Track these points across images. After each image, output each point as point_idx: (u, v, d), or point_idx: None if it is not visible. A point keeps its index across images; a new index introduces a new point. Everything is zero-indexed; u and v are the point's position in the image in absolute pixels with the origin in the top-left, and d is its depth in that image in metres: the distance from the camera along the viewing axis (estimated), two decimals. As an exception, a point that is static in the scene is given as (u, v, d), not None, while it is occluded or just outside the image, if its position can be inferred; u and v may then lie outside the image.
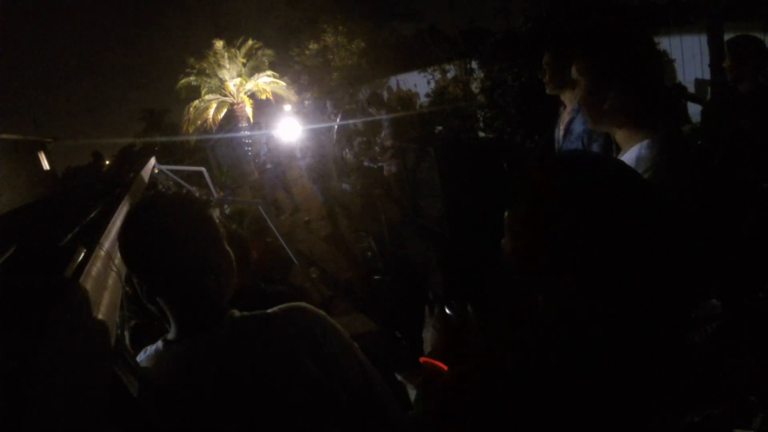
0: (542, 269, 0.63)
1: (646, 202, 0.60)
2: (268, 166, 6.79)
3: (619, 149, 1.26)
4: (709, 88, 4.85)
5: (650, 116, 1.15)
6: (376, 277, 4.14)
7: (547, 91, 2.14)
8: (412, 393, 1.17)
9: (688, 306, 0.76)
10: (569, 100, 2.07)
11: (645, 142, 1.13)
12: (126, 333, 0.85)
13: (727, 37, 4.31)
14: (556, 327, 0.62)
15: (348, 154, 6.84)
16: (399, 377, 1.19)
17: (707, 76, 4.93)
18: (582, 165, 0.65)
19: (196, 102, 12.31)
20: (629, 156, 1.15)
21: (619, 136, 1.22)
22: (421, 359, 0.84)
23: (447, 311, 0.92)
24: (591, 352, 0.57)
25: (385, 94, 10.91)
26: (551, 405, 0.56)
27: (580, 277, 0.59)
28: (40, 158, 15.11)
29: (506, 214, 0.68)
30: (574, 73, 1.23)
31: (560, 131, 2.14)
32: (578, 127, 1.97)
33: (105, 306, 0.81)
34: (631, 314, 0.58)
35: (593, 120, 1.24)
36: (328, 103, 7.71)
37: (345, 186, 6.00)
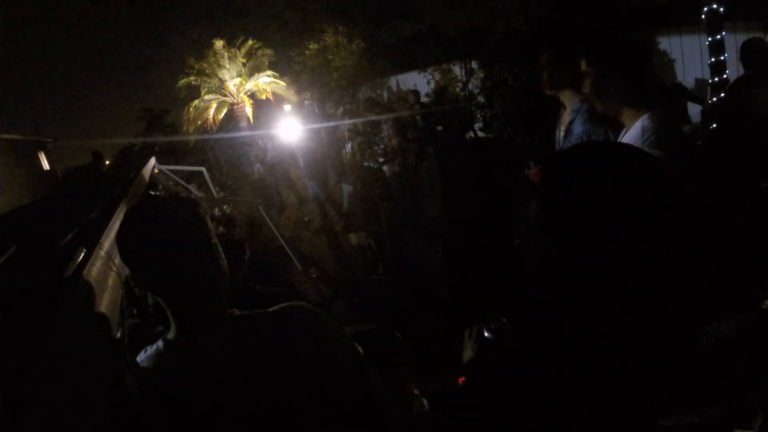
0: (569, 260, 0.64)
1: (656, 182, 0.61)
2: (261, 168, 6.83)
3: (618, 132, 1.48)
4: (708, 89, 4.84)
5: (649, 97, 1.39)
6: (376, 277, 4.14)
7: (545, 91, 2.13)
8: (412, 393, 1.18)
9: (698, 303, 0.77)
10: (568, 101, 2.07)
11: (646, 115, 1.35)
12: (126, 333, 0.85)
13: (728, 36, 4.30)
14: (575, 325, 0.62)
15: (348, 154, 6.82)
16: (399, 377, 1.19)
17: (707, 76, 4.92)
18: (597, 154, 0.67)
19: (196, 102, 12.28)
20: (635, 128, 1.37)
21: (624, 115, 1.43)
22: (460, 380, 0.86)
23: (486, 333, 0.92)
24: (609, 349, 0.58)
25: (385, 94, 10.88)
26: (563, 402, 0.56)
27: (602, 265, 0.60)
28: (40, 158, 15.12)
29: (530, 212, 0.70)
30: (583, 65, 1.44)
31: (561, 132, 2.14)
32: (578, 127, 1.97)
33: (105, 306, 0.81)
34: (646, 306, 0.58)
35: (601, 103, 1.46)
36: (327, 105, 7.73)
37: (345, 186, 5.99)
